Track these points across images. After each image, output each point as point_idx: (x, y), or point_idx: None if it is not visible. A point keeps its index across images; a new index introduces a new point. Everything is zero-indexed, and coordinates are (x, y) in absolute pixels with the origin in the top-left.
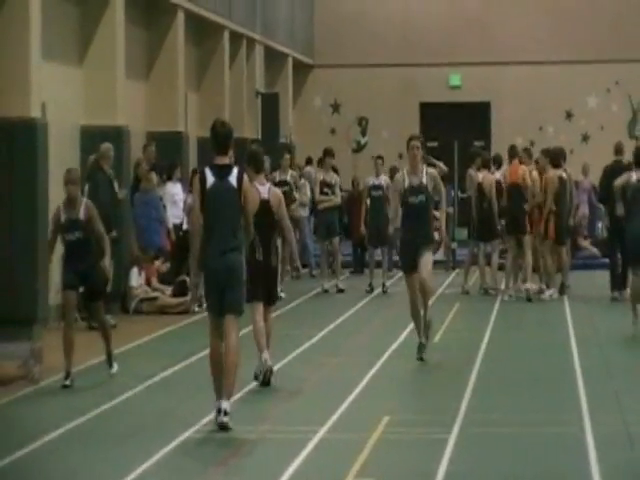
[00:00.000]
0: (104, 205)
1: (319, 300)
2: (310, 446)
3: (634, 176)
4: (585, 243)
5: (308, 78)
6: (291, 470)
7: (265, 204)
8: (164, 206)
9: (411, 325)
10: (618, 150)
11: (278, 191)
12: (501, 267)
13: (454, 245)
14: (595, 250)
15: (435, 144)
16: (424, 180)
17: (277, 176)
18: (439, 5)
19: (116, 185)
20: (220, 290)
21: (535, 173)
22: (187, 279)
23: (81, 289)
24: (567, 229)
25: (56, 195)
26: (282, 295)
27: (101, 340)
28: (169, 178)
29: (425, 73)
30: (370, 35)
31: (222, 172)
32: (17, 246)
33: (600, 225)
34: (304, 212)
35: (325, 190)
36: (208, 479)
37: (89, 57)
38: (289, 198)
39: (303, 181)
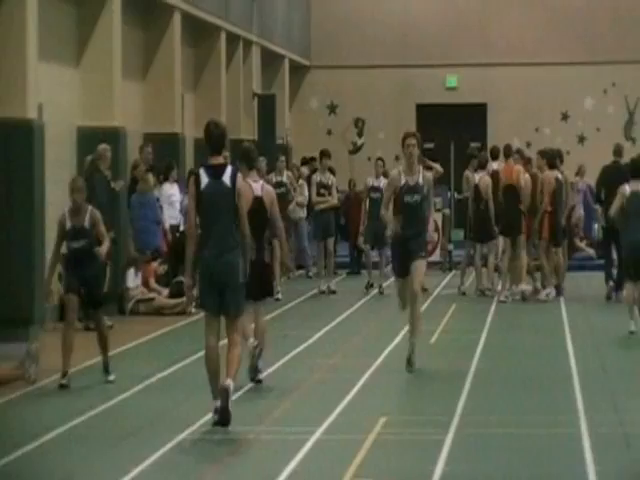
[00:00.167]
0: (101, 206)
1: (316, 301)
2: (307, 447)
3: (628, 189)
4: (581, 244)
5: (305, 79)
6: (288, 471)
7: (258, 201)
8: (161, 207)
9: (408, 326)
10: (617, 152)
11: (271, 189)
12: (497, 268)
13: (450, 246)
14: (591, 251)
15: (431, 145)
16: (420, 180)
17: (273, 177)
18: (435, 6)
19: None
20: (218, 291)
21: (527, 175)
22: (183, 280)
23: (82, 293)
24: (563, 230)
25: (53, 197)
26: (279, 297)
27: (98, 341)
28: (166, 179)
29: (421, 74)
30: (367, 36)
31: (216, 172)
32: (14, 247)
33: (596, 226)
34: (302, 213)
35: (322, 191)
36: None
37: (86, 58)
38: (285, 200)
39: (301, 182)
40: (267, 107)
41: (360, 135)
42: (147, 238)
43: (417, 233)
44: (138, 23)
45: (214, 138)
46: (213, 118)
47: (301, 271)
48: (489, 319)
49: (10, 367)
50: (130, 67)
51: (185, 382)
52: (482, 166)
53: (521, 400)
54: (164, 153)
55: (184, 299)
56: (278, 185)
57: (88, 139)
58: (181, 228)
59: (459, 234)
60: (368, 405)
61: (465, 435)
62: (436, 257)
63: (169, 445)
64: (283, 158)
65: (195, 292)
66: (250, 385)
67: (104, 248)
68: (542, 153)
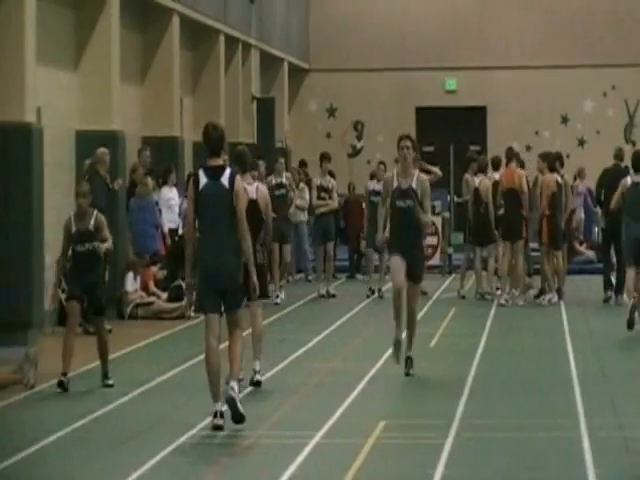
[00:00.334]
0: (100, 210)
1: (315, 305)
2: (306, 451)
3: (629, 180)
4: (581, 248)
5: (304, 82)
6: (287, 475)
7: (252, 204)
8: (159, 211)
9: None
10: (618, 156)
11: (266, 191)
12: (496, 272)
13: (450, 250)
14: (591, 255)
15: (431, 148)
16: (414, 184)
17: (272, 179)
18: (434, 9)
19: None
20: (218, 292)
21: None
22: (182, 284)
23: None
24: (562, 233)
25: (52, 200)
26: (278, 301)
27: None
28: (164, 183)
29: (421, 77)
30: (366, 39)
31: (215, 173)
32: (12, 251)
33: (596, 230)
34: (303, 216)
35: (322, 195)
36: None
37: (84, 62)
38: (285, 201)
39: (302, 185)
40: (266, 110)
41: (359, 138)
42: (146, 242)
43: (413, 244)
44: (136, 26)
45: (213, 140)
46: (211, 120)
47: (300, 275)
48: (489, 323)
49: (9, 371)
50: (128, 70)
51: (184, 386)
52: (482, 169)
53: (521, 403)
54: (163, 157)
55: (183, 303)
56: (278, 186)
57: (86, 143)
58: (180, 232)
59: (459, 237)
60: (367, 409)
61: (464, 439)
62: (436, 261)
63: (169, 449)
64: (282, 160)
65: (193, 296)
66: (249, 389)
67: (107, 245)
68: (543, 156)
